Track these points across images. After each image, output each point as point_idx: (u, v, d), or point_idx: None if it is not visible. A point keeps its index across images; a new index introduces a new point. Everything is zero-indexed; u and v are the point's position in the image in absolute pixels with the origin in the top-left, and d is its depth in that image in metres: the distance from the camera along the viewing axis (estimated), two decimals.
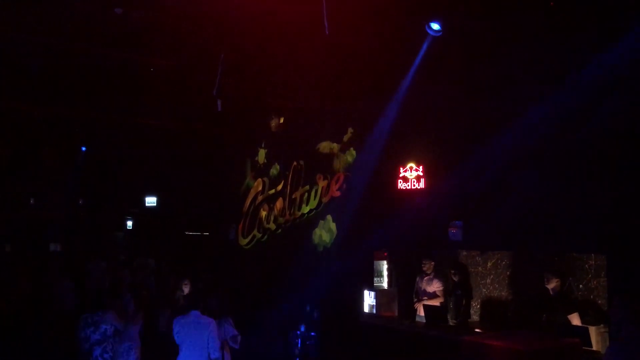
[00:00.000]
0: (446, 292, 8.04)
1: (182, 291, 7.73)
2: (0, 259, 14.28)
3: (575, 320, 6.23)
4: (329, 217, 10.08)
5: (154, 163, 15.25)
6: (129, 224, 18.80)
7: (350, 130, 9.94)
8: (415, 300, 8.14)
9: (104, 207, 17.66)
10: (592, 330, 6.09)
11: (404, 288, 8.87)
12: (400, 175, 8.46)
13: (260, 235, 12.26)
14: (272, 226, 11.81)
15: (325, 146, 10.49)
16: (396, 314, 8.68)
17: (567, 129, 6.42)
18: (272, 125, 11.85)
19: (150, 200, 16.99)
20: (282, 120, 11.73)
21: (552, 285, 6.44)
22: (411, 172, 8.39)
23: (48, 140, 14.98)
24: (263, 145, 12.44)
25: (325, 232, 10.14)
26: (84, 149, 15.59)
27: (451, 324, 7.57)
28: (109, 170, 16.48)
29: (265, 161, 12.34)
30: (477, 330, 7.08)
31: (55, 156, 16.06)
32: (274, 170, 11.89)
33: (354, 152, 9.55)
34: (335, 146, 10.22)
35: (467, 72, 7.51)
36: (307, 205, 10.68)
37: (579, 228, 6.32)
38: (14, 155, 15.49)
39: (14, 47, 8.46)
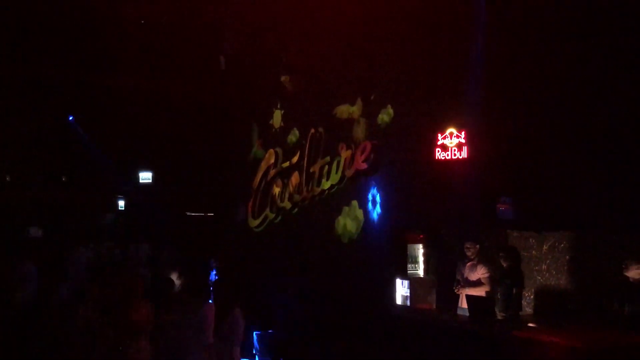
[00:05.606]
0: (493, 280, 8.08)
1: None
2: None
3: None
4: (354, 203, 10.11)
5: (149, 133, 15.37)
6: (121, 204, 19.04)
7: (373, 92, 9.87)
8: (457, 289, 8.21)
9: (92, 184, 17.91)
10: None
11: (444, 276, 8.92)
12: (439, 142, 8.40)
13: (273, 215, 12.38)
14: (287, 205, 11.91)
15: (343, 111, 10.48)
16: (434, 306, 8.77)
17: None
18: (286, 84, 11.80)
19: (145, 177, 17.16)
20: (287, 79, 11.68)
21: (632, 272, 6.41)
22: (451, 138, 8.32)
23: (26, 109, 15.19)
24: (279, 106, 12.41)
25: (350, 221, 10.18)
26: (71, 118, 15.79)
27: (499, 317, 7.60)
28: (97, 142, 16.68)
29: (282, 124, 12.31)
30: (530, 324, 7.13)
31: (35, 127, 16.29)
32: (293, 136, 11.86)
33: (391, 111, 9.43)
34: (355, 110, 10.19)
35: (518, 18, 7.43)
36: (327, 180, 10.73)
37: None
38: None
39: None
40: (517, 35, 7.50)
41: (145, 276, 11.67)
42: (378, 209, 9.64)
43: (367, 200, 9.83)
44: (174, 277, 7.46)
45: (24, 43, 10.35)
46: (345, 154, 10.31)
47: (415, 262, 9.28)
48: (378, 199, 9.56)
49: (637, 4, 6.30)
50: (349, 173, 10.23)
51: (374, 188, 9.69)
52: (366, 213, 9.88)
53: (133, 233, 15.78)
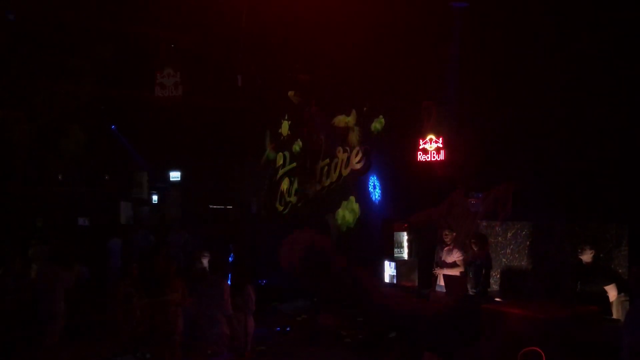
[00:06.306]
0: (466, 262, 8.05)
1: (201, 263, 7.76)
2: (32, 233, 14.64)
3: (612, 291, 6.14)
4: (352, 198, 10.08)
5: (179, 139, 15.39)
6: (154, 198, 19.02)
7: (366, 104, 9.86)
8: (435, 270, 8.18)
9: (129, 182, 17.91)
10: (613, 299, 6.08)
11: (424, 258, 8.90)
12: (420, 147, 8.41)
13: (282, 207, 12.35)
14: (293, 199, 11.88)
15: (340, 120, 10.45)
16: (416, 283, 8.74)
17: (583, 101, 6.34)
18: (293, 98, 11.80)
19: (175, 175, 17.15)
20: (293, 94, 11.68)
21: (585, 256, 6.39)
22: (431, 144, 8.33)
23: (75, 118, 15.25)
24: (286, 118, 12.41)
25: (348, 213, 10.16)
26: (113, 127, 15.84)
27: (471, 293, 7.59)
28: (134, 147, 16.71)
29: (289, 133, 12.31)
30: (496, 299, 7.10)
31: (83, 135, 16.35)
32: (297, 146, 11.87)
33: (382, 120, 9.45)
34: (350, 120, 10.18)
35: (486, 42, 7.42)
36: (327, 178, 10.71)
37: (599, 197, 6.26)
38: (42, 133, 15.79)
39: (39, 25, 8.59)
40: (483, 63, 7.51)
41: (180, 258, 11.69)
42: (374, 199, 9.63)
43: (363, 196, 9.82)
44: (205, 259, 7.45)
45: (76, 72, 10.57)
46: (342, 156, 10.32)
47: (401, 247, 9.26)
48: (377, 193, 9.57)
49: (596, 24, 6.25)
50: (345, 172, 10.23)
51: (370, 186, 9.69)
52: (361, 206, 9.86)
53: (165, 223, 15.76)
